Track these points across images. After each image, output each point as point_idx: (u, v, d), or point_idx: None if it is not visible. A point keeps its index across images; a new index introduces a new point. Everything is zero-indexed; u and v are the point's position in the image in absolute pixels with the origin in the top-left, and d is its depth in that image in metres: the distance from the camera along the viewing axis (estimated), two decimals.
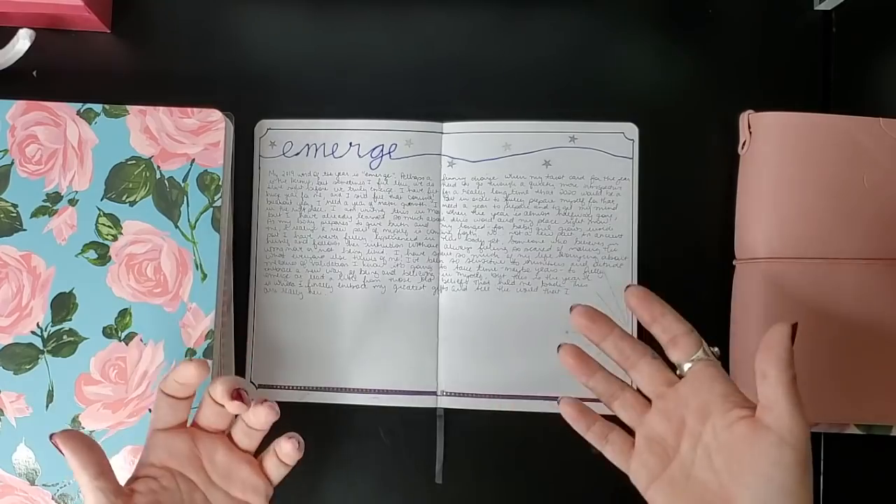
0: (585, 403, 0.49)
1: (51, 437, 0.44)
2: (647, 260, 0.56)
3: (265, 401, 0.47)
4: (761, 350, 0.43)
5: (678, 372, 0.46)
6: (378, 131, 0.57)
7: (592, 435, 0.48)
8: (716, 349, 0.46)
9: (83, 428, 0.52)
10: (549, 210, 0.57)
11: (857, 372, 0.53)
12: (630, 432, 0.47)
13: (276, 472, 0.49)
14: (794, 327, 0.43)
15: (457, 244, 0.57)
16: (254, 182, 0.57)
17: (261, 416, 0.47)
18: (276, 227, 0.57)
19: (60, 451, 0.44)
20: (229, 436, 0.49)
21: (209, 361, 0.48)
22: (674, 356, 0.46)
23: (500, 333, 0.56)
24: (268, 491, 0.49)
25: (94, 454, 0.44)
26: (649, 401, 0.47)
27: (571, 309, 0.48)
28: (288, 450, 0.48)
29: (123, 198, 0.54)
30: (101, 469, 0.44)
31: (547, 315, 0.56)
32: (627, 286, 0.48)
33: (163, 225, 0.54)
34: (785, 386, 0.41)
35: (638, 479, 0.45)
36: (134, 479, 0.46)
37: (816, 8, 0.58)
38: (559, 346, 0.48)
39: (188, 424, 0.49)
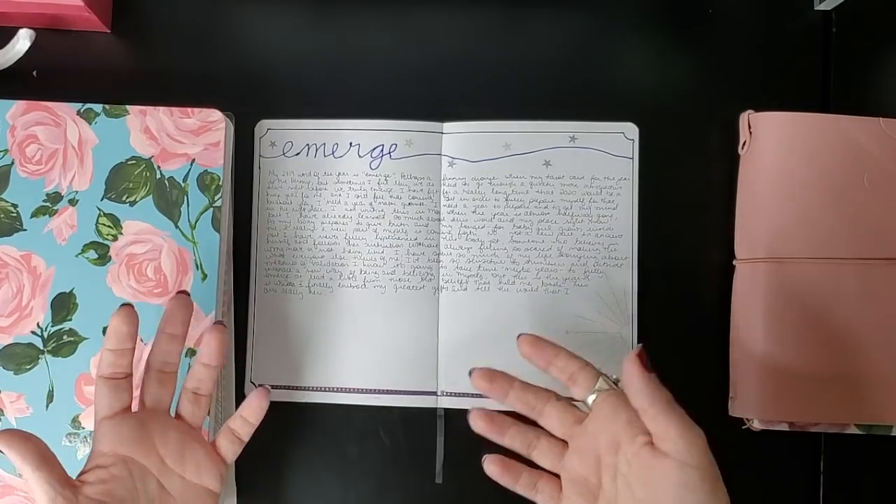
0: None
1: None
2: (647, 260, 0.56)
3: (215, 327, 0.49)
4: (625, 387, 0.43)
5: (586, 407, 0.47)
6: (378, 131, 0.57)
7: (521, 487, 0.49)
8: (614, 377, 0.47)
9: (83, 428, 0.52)
10: (550, 210, 0.57)
11: (857, 372, 0.53)
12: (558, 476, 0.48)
13: (231, 449, 0.49)
14: (642, 354, 0.43)
15: (457, 244, 0.57)
16: (254, 182, 0.57)
17: (212, 342, 0.48)
18: (276, 227, 0.57)
19: None
20: (177, 417, 0.49)
21: (134, 307, 0.47)
22: (576, 393, 0.47)
23: (500, 333, 0.56)
24: (222, 471, 0.49)
25: (31, 445, 0.43)
26: (566, 443, 0.47)
27: (470, 373, 0.49)
28: (255, 405, 0.49)
29: (123, 198, 0.54)
30: (43, 459, 0.43)
31: (547, 315, 0.56)
32: (518, 335, 0.49)
33: (163, 225, 0.54)
34: (662, 413, 0.42)
35: None
36: (84, 471, 0.45)
37: (816, 8, 0.58)
38: (468, 411, 0.50)
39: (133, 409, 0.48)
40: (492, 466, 0.49)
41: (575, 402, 0.48)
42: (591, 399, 0.46)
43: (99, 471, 0.45)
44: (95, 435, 0.46)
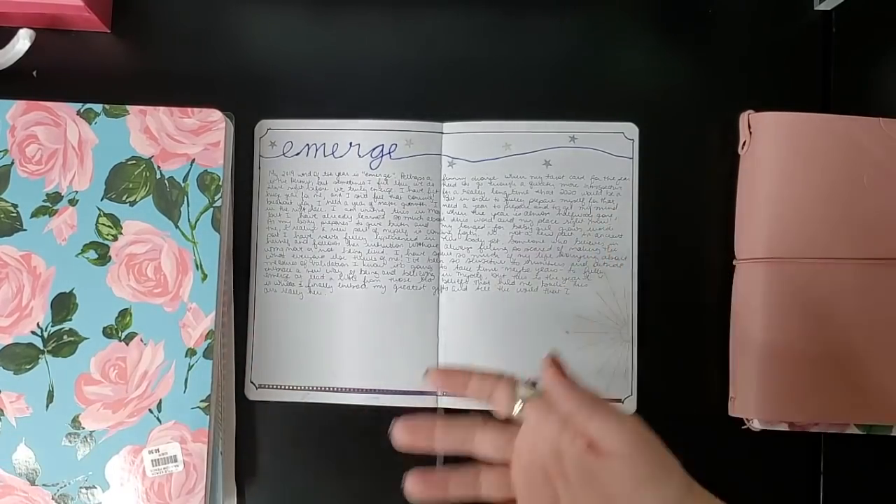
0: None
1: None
2: (647, 260, 0.56)
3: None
4: (549, 397, 0.42)
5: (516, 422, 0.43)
6: (378, 131, 0.57)
7: (459, 494, 0.44)
8: (533, 380, 0.44)
9: (83, 428, 0.52)
10: (550, 210, 0.57)
11: (857, 372, 0.53)
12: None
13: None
14: (556, 360, 0.42)
15: (457, 244, 0.57)
16: (254, 182, 0.57)
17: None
18: (276, 227, 0.57)
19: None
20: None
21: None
22: (500, 410, 0.43)
23: (500, 333, 0.56)
24: None
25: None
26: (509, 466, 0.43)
27: (390, 432, 0.45)
28: None
29: (123, 198, 0.54)
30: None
31: (547, 315, 0.56)
32: (426, 371, 0.46)
33: (163, 225, 0.54)
34: (593, 415, 0.40)
35: None
36: None
37: (816, 8, 0.58)
38: (404, 479, 0.44)
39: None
40: (413, 484, 0.44)
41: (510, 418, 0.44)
42: (517, 410, 0.43)
43: None
44: None
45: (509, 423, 0.43)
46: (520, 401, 0.43)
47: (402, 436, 0.44)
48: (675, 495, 0.39)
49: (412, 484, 0.44)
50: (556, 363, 0.42)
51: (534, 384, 0.44)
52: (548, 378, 0.42)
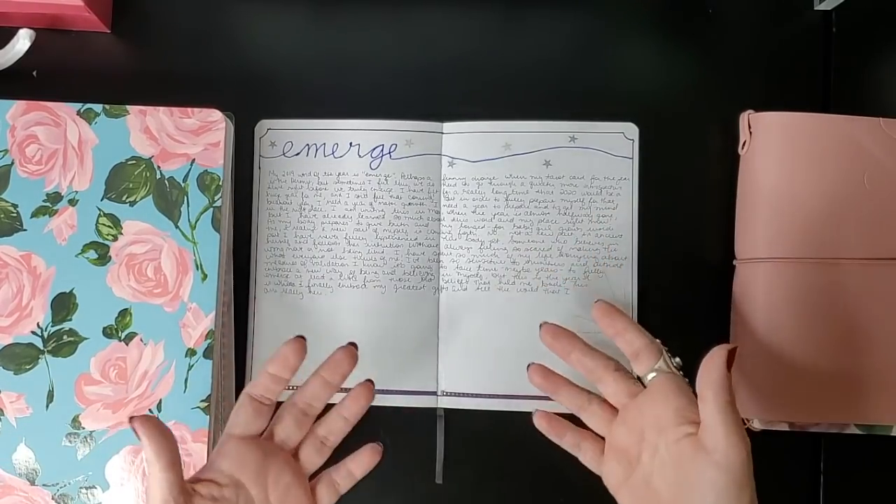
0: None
1: (130, 419, 0.43)
2: (647, 260, 0.56)
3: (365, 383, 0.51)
4: (700, 371, 0.44)
5: (644, 383, 0.48)
6: (378, 131, 0.57)
7: (566, 444, 0.51)
8: (677, 360, 0.48)
9: (83, 428, 0.52)
10: (550, 210, 0.57)
11: (857, 372, 0.53)
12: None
13: (328, 499, 0.49)
14: (733, 352, 0.44)
15: (457, 244, 0.57)
16: (254, 182, 0.57)
17: (360, 400, 0.50)
18: (276, 227, 0.57)
19: (137, 435, 0.43)
20: (294, 455, 0.49)
21: (306, 341, 0.48)
22: (637, 369, 0.48)
23: (500, 333, 0.56)
24: None
25: (168, 444, 0.43)
26: (617, 411, 0.49)
27: (541, 326, 0.51)
28: (365, 461, 0.50)
29: (123, 198, 0.54)
30: (173, 461, 0.43)
31: (547, 315, 0.56)
32: (596, 300, 0.51)
33: (163, 225, 0.54)
34: (721, 411, 0.42)
35: (608, 482, 0.48)
36: (197, 479, 0.45)
37: (816, 8, 0.58)
38: (528, 365, 0.52)
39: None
40: (541, 421, 0.52)
41: (635, 376, 0.49)
42: (649, 377, 0.47)
43: (212, 486, 0.45)
44: (220, 448, 0.47)
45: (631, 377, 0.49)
46: (655, 372, 0.47)
47: (547, 339, 0.51)
48: None
49: (539, 417, 0.52)
50: (731, 354, 0.44)
51: (678, 367, 0.48)
52: (715, 361, 0.44)
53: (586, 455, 0.50)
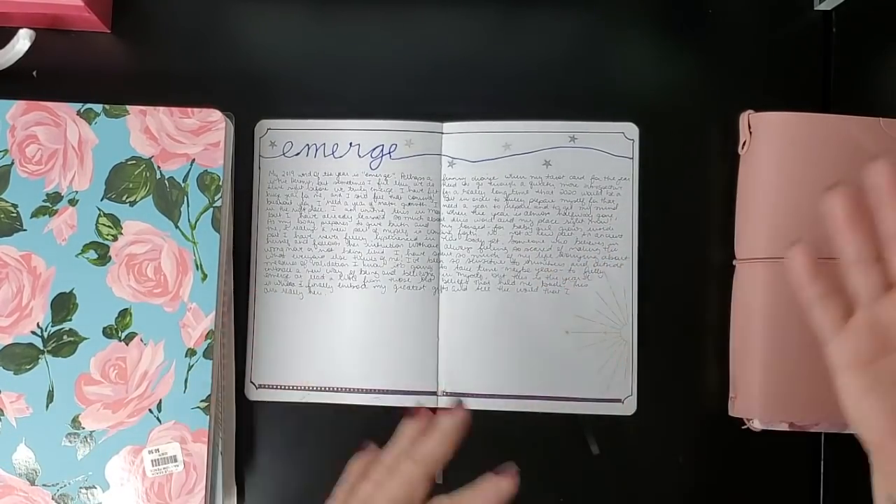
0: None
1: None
2: (647, 260, 0.56)
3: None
4: None
5: None
6: (378, 131, 0.57)
7: (814, 290, 0.42)
8: None
9: (83, 428, 0.52)
10: (550, 210, 0.57)
11: None
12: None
13: None
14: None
15: (457, 244, 0.57)
16: (254, 182, 0.57)
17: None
18: (276, 227, 0.57)
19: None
20: None
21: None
22: None
23: (500, 333, 0.56)
24: None
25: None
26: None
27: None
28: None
29: (123, 198, 0.54)
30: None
31: (547, 315, 0.56)
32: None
33: (163, 225, 0.54)
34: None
35: (838, 355, 0.41)
36: None
37: (816, 8, 0.58)
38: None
39: None
40: (803, 252, 0.42)
41: None
42: None
43: None
44: None
45: None
46: None
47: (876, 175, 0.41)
48: None
49: (803, 249, 0.43)
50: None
51: None
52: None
53: (828, 312, 0.41)
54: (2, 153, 0.54)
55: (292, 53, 0.58)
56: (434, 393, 0.56)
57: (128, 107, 0.54)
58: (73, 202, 0.54)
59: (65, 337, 0.53)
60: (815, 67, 0.58)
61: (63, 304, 0.53)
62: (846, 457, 0.55)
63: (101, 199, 0.54)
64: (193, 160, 0.54)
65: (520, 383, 0.55)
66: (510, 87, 0.58)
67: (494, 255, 0.56)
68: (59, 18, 0.56)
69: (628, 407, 0.56)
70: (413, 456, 0.44)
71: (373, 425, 0.56)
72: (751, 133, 0.55)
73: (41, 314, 0.53)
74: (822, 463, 0.56)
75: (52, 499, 0.52)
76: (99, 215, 0.54)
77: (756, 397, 0.53)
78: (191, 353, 0.53)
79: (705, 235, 0.57)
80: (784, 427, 0.54)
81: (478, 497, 0.43)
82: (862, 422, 0.40)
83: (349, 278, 0.56)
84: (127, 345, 0.53)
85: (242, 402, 0.56)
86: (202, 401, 0.53)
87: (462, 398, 0.48)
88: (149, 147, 0.54)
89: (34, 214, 0.53)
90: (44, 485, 0.52)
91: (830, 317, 0.41)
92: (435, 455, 0.44)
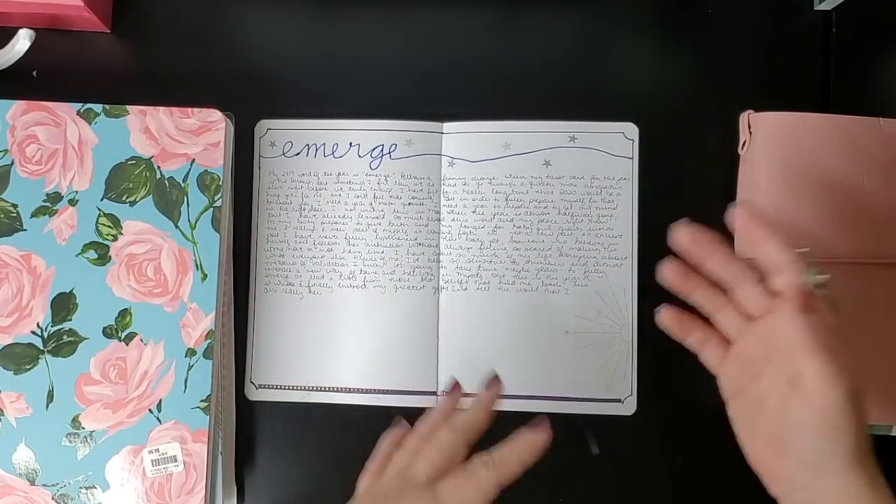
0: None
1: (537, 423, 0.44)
2: (647, 260, 0.56)
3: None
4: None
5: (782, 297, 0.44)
6: (378, 131, 0.57)
7: (692, 341, 0.47)
8: (820, 278, 0.43)
9: (83, 428, 0.52)
10: (550, 210, 0.57)
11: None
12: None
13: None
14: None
15: (457, 244, 0.57)
16: (254, 182, 0.57)
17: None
18: (276, 227, 0.57)
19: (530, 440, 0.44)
20: None
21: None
22: (776, 285, 0.44)
23: (500, 333, 0.56)
24: None
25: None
26: (751, 319, 0.45)
27: (671, 229, 0.47)
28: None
29: (123, 198, 0.54)
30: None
31: (547, 315, 0.56)
32: (737, 205, 0.46)
33: (163, 225, 0.54)
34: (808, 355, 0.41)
35: (723, 387, 0.45)
36: None
37: (816, 8, 0.58)
38: (658, 310, 0.48)
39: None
40: (668, 317, 0.48)
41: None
42: (788, 295, 0.43)
43: None
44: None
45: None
46: (793, 291, 0.43)
47: (683, 241, 0.46)
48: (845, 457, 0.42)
49: (666, 314, 0.48)
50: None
51: (822, 284, 0.44)
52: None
53: (709, 353, 0.46)
54: (2, 153, 0.54)
55: (292, 53, 0.58)
56: (434, 393, 0.56)
57: (128, 107, 0.54)
58: (73, 202, 0.54)
59: (65, 337, 0.53)
60: (814, 67, 0.58)
61: (63, 304, 0.53)
62: None
63: (101, 199, 0.54)
64: (193, 160, 0.54)
65: (520, 383, 0.55)
66: (510, 87, 0.58)
67: (494, 255, 0.56)
68: (59, 18, 0.56)
69: (628, 407, 0.56)
70: (452, 424, 0.45)
71: (373, 425, 0.56)
72: (751, 133, 0.55)
73: (41, 314, 0.53)
74: None
75: (52, 499, 0.52)
76: (99, 215, 0.54)
77: None
78: (191, 353, 0.53)
79: None
80: None
81: (514, 451, 0.44)
82: (743, 447, 0.44)
83: (349, 278, 0.56)
84: (127, 345, 0.53)
85: (242, 402, 0.56)
86: (202, 401, 0.53)
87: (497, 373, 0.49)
88: (149, 147, 0.54)
89: (34, 214, 0.54)
90: (44, 485, 0.52)
91: (713, 356, 0.47)
92: (473, 424, 0.46)
